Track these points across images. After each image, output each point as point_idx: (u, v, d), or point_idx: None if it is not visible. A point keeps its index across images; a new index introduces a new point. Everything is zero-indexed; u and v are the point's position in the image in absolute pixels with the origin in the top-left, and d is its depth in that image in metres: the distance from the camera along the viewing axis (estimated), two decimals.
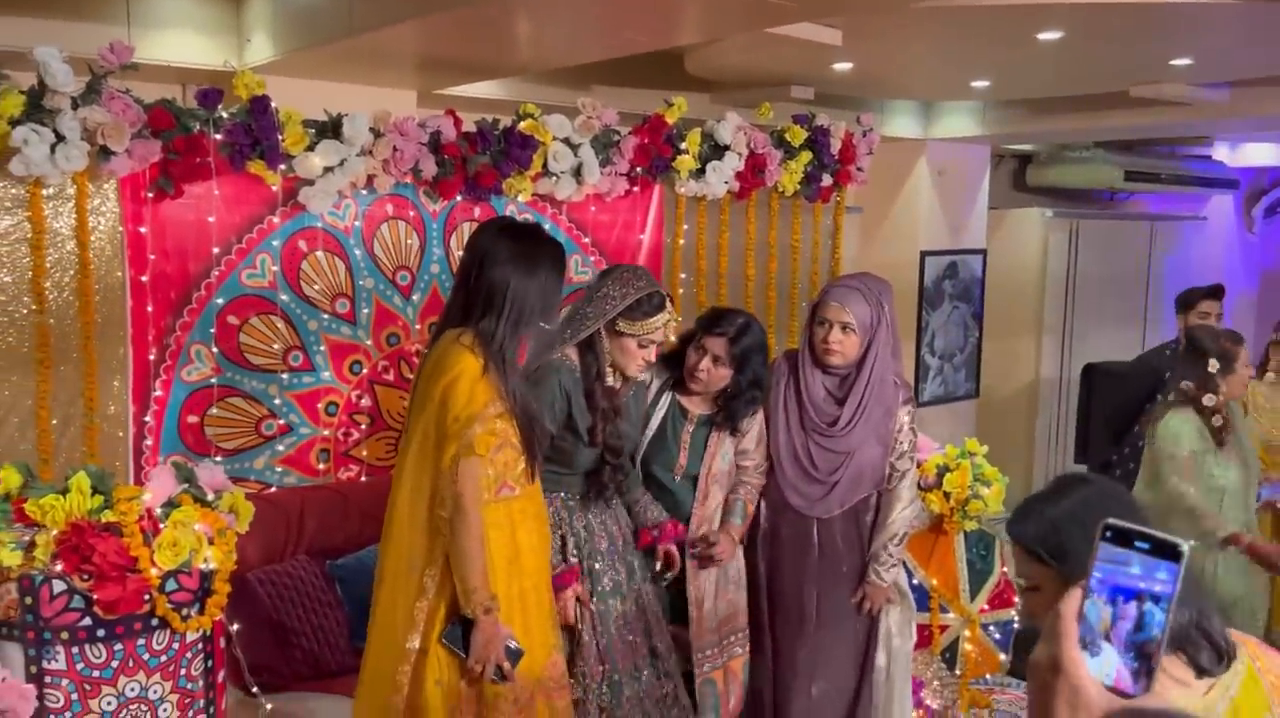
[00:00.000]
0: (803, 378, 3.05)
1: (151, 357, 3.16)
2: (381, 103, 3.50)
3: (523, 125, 3.64)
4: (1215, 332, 3.85)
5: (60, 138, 2.82)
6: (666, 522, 2.93)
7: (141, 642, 2.33)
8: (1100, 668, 0.88)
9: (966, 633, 3.62)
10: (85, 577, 2.25)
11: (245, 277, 3.32)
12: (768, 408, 3.08)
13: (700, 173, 4.12)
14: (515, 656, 2.34)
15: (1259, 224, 8.75)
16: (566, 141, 3.74)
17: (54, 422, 2.97)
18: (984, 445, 3.73)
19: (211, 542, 2.40)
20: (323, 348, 3.50)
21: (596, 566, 2.80)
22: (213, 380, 3.29)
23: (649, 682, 2.86)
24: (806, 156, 4.38)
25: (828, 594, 3.08)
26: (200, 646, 2.44)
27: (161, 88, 3.25)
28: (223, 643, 2.56)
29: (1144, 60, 4.18)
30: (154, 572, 2.30)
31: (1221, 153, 7.52)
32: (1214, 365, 3.63)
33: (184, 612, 2.36)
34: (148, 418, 3.17)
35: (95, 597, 2.25)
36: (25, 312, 2.92)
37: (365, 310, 3.57)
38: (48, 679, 2.25)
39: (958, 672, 3.63)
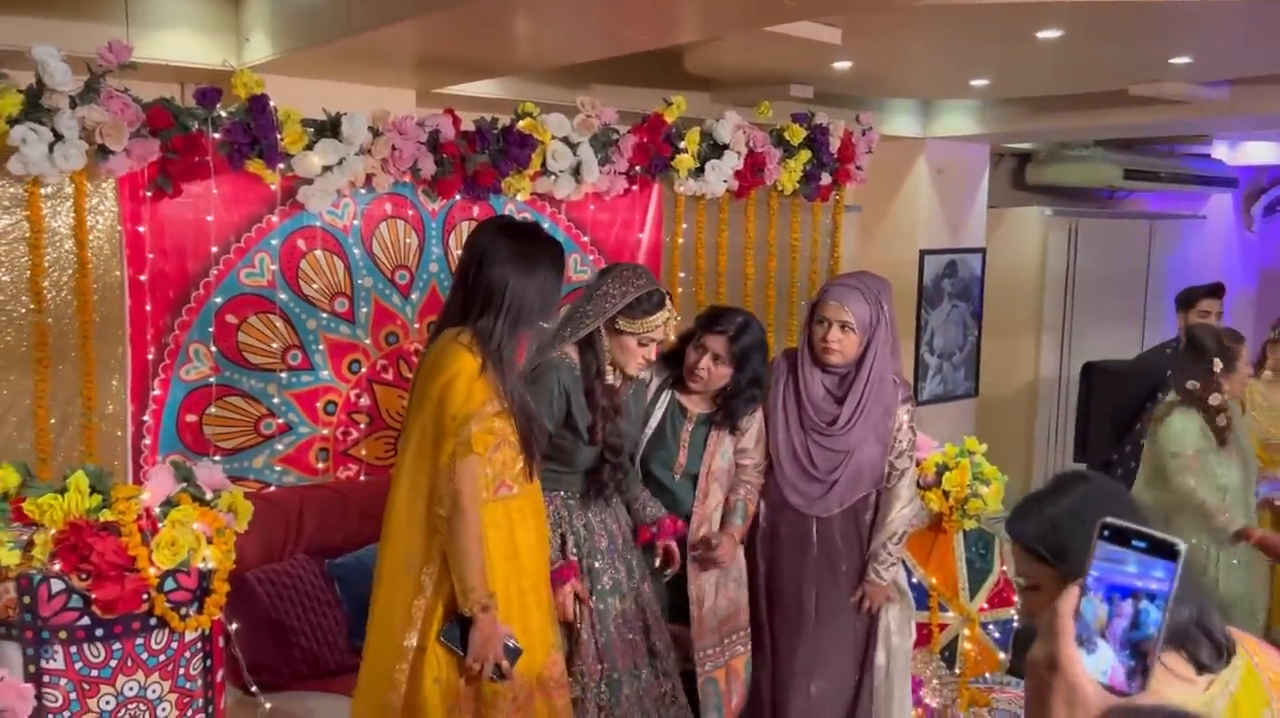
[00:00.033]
0: (802, 377, 3.05)
1: (150, 356, 3.16)
2: (380, 102, 3.50)
3: (521, 124, 3.64)
4: (1216, 331, 3.85)
5: (58, 137, 2.82)
6: (665, 518, 2.93)
7: (140, 641, 2.33)
8: (1096, 666, 0.89)
9: (966, 632, 3.62)
10: (83, 576, 2.24)
11: (244, 276, 3.32)
12: (767, 407, 3.08)
13: (699, 172, 4.12)
14: (514, 654, 2.34)
15: (1258, 223, 8.75)
16: (565, 140, 3.74)
17: (52, 421, 2.97)
18: (983, 444, 3.73)
19: (210, 541, 2.40)
20: (321, 347, 3.50)
21: (596, 564, 2.80)
22: (211, 380, 3.28)
23: (648, 681, 2.86)
24: (805, 155, 4.38)
25: (826, 593, 3.08)
26: (199, 645, 2.44)
27: (160, 87, 3.25)
28: (221, 642, 2.56)
29: (1143, 59, 4.17)
30: (152, 571, 2.29)
31: (1221, 151, 7.52)
32: (1218, 365, 3.64)
33: (182, 611, 2.36)
34: (146, 417, 3.17)
35: (93, 596, 2.25)
36: (24, 311, 2.92)
37: (364, 309, 3.57)
38: (46, 679, 2.25)
39: (957, 670, 3.63)
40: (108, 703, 2.29)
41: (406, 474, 2.40)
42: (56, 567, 2.24)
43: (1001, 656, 3.70)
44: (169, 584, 2.33)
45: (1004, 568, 3.73)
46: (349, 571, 3.31)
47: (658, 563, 2.92)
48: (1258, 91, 4.83)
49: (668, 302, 2.82)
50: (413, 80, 3.95)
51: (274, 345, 3.40)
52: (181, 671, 2.39)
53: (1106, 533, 0.90)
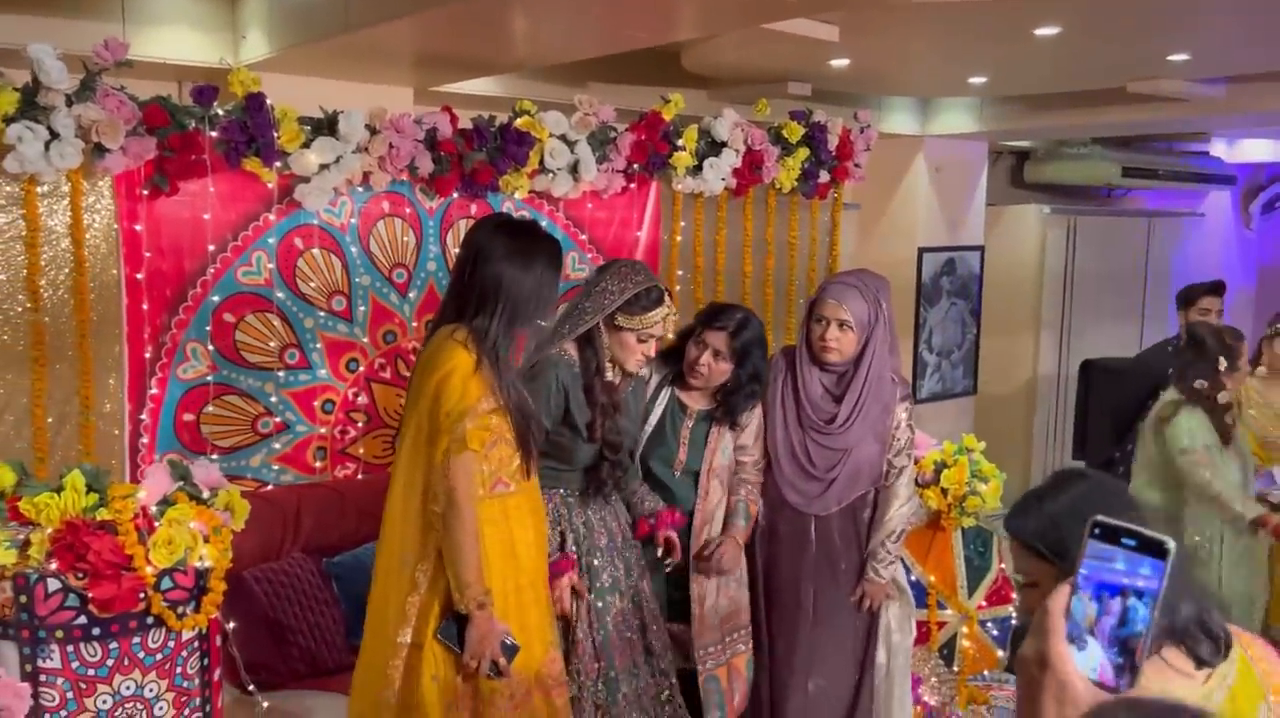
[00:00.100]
0: (800, 375, 3.05)
1: (147, 355, 3.16)
2: (378, 100, 3.50)
3: (519, 122, 3.63)
4: (1218, 329, 3.86)
5: (55, 135, 2.82)
6: (663, 509, 2.92)
7: (137, 640, 2.32)
8: (1086, 663, 0.89)
9: (964, 630, 3.62)
10: (80, 575, 2.24)
11: (241, 274, 3.31)
12: (765, 405, 3.08)
13: (697, 169, 4.11)
14: (511, 651, 2.34)
15: (1256, 220, 8.75)
16: (563, 138, 3.74)
17: (49, 420, 2.97)
18: (981, 442, 3.73)
19: (207, 540, 2.39)
20: (319, 345, 3.49)
21: (595, 562, 2.80)
22: (208, 378, 3.28)
23: (645, 680, 2.85)
24: (804, 153, 4.37)
25: (825, 591, 3.07)
26: (196, 644, 2.43)
27: (156, 85, 3.24)
28: (219, 641, 2.56)
29: (1141, 56, 4.17)
30: (149, 570, 2.29)
31: (1219, 149, 7.52)
32: (1223, 363, 3.66)
33: (179, 610, 2.36)
34: (143, 416, 3.17)
35: (90, 595, 2.24)
36: (20, 310, 2.92)
37: (362, 308, 3.57)
38: (43, 678, 2.24)
39: (955, 668, 3.63)
40: (105, 702, 2.29)
41: (402, 471, 2.40)
42: (53, 566, 2.23)
43: (1000, 653, 3.70)
44: (166, 583, 2.33)
45: (1002, 566, 3.73)
46: (346, 569, 3.30)
47: (659, 553, 2.89)
48: (1255, 89, 4.83)
49: (666, 297, 2.82)
50: (410, 78, 3.94)
51: (271, 344, 3.40)
52: (179, 670, 2.39)
53: (1097, 531, 0.90)
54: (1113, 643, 0.88)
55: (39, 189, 2.90)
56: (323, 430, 3.54)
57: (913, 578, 3.52)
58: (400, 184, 3.55)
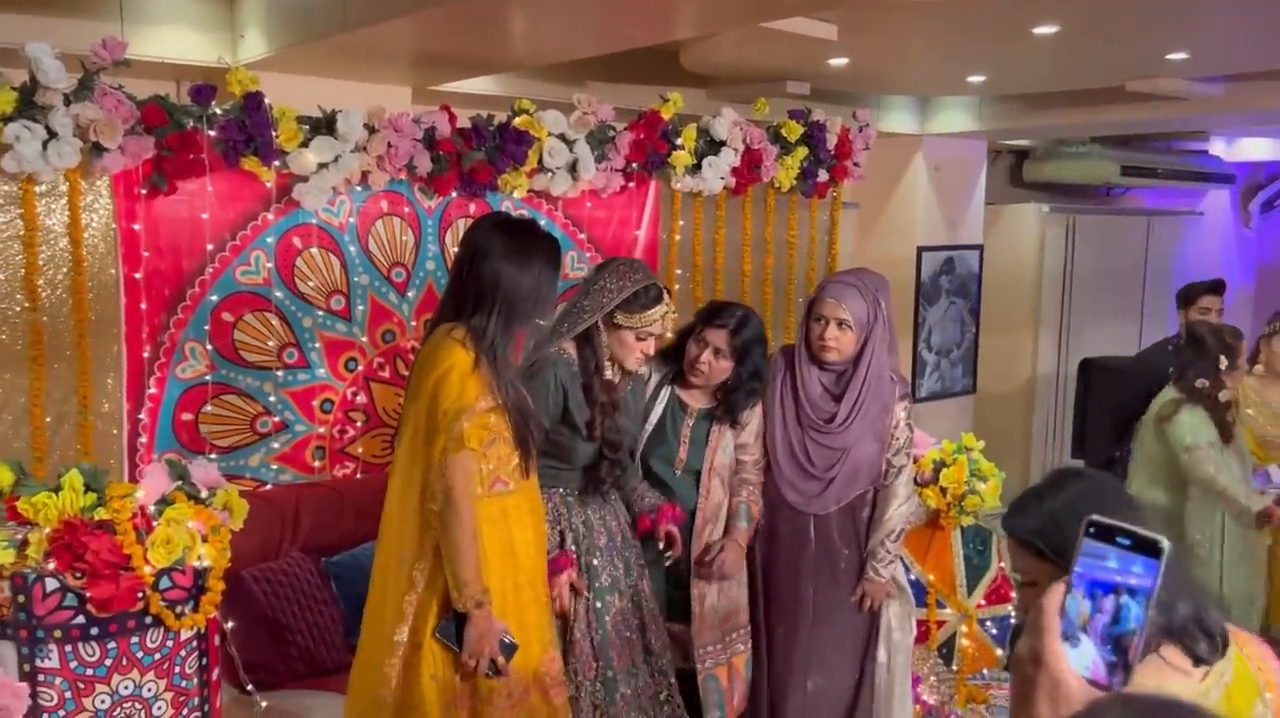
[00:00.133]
0: (799, 374, 3.05)
1: (145, 354, 3.15)
2: (376, 99, 3.49)
3: (518, 121, 3.63)
4: (1218, 328, 3.87)
5: (52, 134, 2.81)
6: (664, 504, 2.91)
7: (135, 640, 2.32)
8: (1079, 661, 0.90)
9: (963, 628, 3.62)
10: (78, 575, 2.24)
11: (239, 274, 3.31)
12: (764, 404, 3.08)
13: (696, 168, 4.11)
14: (509, 650, 2.34)
15: (1255, 219, 8.75)
16: (562, 137, 3.74)
17: (48, 419, 2.97)
18: (981, 441, 3.72)
19: (205, 539, 2.39)
20: (318, 345, 3.49)
21: (595, 562, 2.79)
22: (207, 378, 3.28)
23: (644, 680, 2.85)
24: (802, 152, 4.37)
25: (824, 590, 3.07)
26: (194, 643, 2.43)
27: (154, 84, 3.24)
28: (217, 641, 2.55)
29: (1140, 55, 4.17)
30: (147, 569, 2.29)
31: (1218, 148, 7.52)
32: (1224, 362, 3.66)
33: (178, 609, 2.35)
34: (142, 415, 3.16)
35: (88, 595, 2.24)
36: (18, 309, 2.92)
37: (360, 307, 3.57)
38: (41, 678, 2.24)
39: (954, 667, 3.62)
40: (103, 702, 2.29)
41: (400, 470, 2.40)
42: (51, 566, 2.23)
43: (999, 652, 3.69)
44: (164, 583, 2.33)
45: (1002, 564, 3.73)
46: (345, 569, 3.30)
47: (661, 546, 2.87)
48: (1253, 88, 4.83)
49: (665, 295, 2.82)
50: (409, 77, 3.93)
51: (270, 343, 3.39)
52: (177, 669, 2.39)
53: (1092, 530, 0.91)
54: (1106, 641, 0.89)
55: (37, 188, 2.89)
56: (321, 430, 3.53)
57: (912, 577, 3.52)
58: (399, 183, 3.55)
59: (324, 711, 2.90)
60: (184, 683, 2.40)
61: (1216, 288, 4.71)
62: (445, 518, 2.28)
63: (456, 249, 2.56)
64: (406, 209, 3.61)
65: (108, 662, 2.29)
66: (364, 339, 3.58)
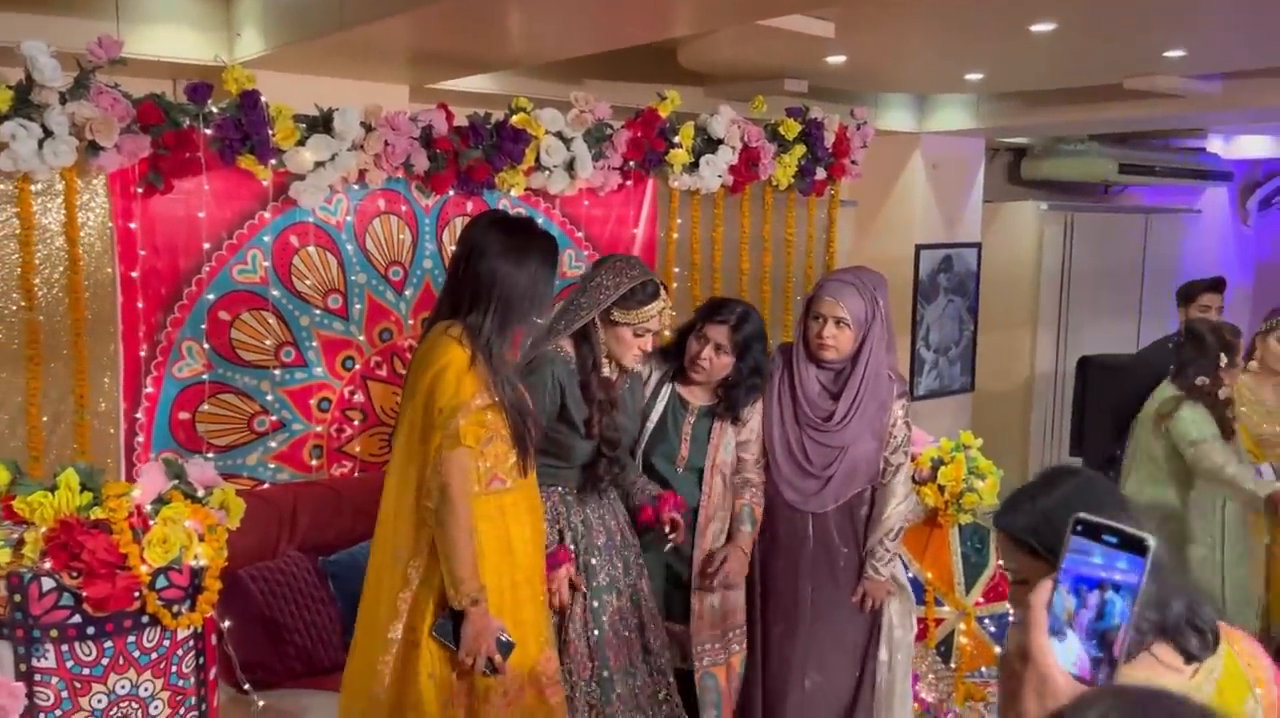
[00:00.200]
0: (797, 372, 3.05)
1: (142, 353, 3.15)
2: (373, 97, 3.49)
3: (515, 119, 3.63)
4: (1216, 325, 3.87)
5: (48, 133, 2.81)
6: (665, 493, 2.89)
7: (132, 639, 2.31)
8: (1066, 657, 0.91)
9: (962, 626, 3.62)
10: (74, 574, 2.23)
11: (236, 272, 3.31)
12: (763, 402, 3.07)
13: (694, 166, 4.11)
14: (506, 648, 2.33)
15: (1253, 216, 8.75)
16: (559, 135, 3.73)
17: (44, 419, 2.96)
18: (979, 439, 3.72)
19: (202, 538, 2.38)
20: (315, 344, 3.49)
21: (593, 561, 2.79)
22: (204, 377, 3.28)
23: (643, 679, 2.84)
24: (800, 150, 4.37)
25: (822, 588, 3.07)
26: (191, 643, 2.42)
27: (151, 83, 3.23)
28: (214, 640, 2.55)
29: (1137, 52, 4.17)
30: (144, 569, 2.28)
31: (1215, 145, 7.52)
32: (1224, 359, 3.67)
33: (174, 609, 2.35)
34: (139, 415, 3.16)
35: (85, 594, 2.23)
36: (14, 308, 2.91)
37: (358, 306, 3.56)
38: (37, 677, 2.23)
39: (953, 665, 3.62)
40: (99, 702, 2.28)
41: (397, 467, 2.40)
42: (47, 565, 2.22)
43: (997, 650, 3.69)
44: (161, 582, 2.32)
45: (999, 562, 3.73)
46: (343, 568, 3.30)
47: (666, 530, 2.83)
48: (1251, 85, 4.83)
49: (662, 292, 2.81)
50: (406, 75, 3.93)
51: (267, 342, 3.39)
52: (174, 669, 2.38)
53: (1079, 528, 0.92)
54: (1091, 636, 0.90)
55: (33, 187, 2.89)
56: (319, 429, 3.53)
57: (910, 575, 3.52)
58: (396, 182, 3.55)
59: (321, 710, 2.89)
60: (181, 683, 2.40)
61: (1217, 286, 4.71)
62: (441, 515, 2.28)
63: (454, 247, 2.55)
64: (404, 208, 3.61)
65: (104, 661, 2.28)
66: (361, 338, 3.58)
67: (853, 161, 4.58)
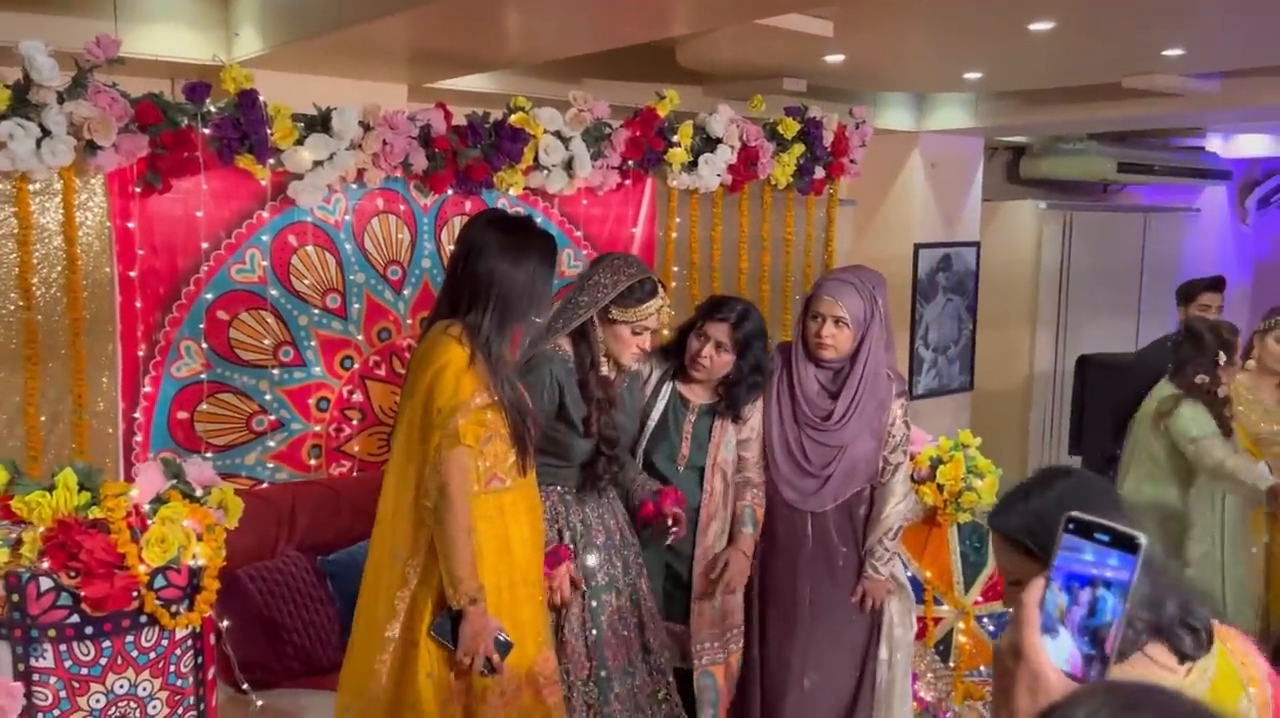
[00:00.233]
0: (796, 372, 3.04)
1: (141, 353, 3.15)
2: (371, 96, 3.48)
3: (513, 118, 3.63)
4: (1215, 324, 3.88)
5: (46, 132, 2.81)
6: (665, 488, 2.88)
7: (130, 639, 2.31)
8: (1058, 654, 0.91)
9: (960, 625, 3.62)
10: (72, 574, 2.23)
11: (235, 272, 3.30)
12: (762, 400, 3.07)
13: (692, 166, 4.11)
14: (504, 648, 2.33)
15: (1252, 215, 8.75)
16: (558, 135, 3.73)
17: (43, 418, 2.96)
18: (978, 437, 3.72)
19: (200, 538, 2.38)
20: (313, 343, 3.48)
21: (592, 560, 2.79)
22: (202, 376, 3.27)
23: (641, 678, 2.84)
24: (799, 149, 4.37)
25: (821, 587, 3.07)
26: (190, 642, 2.42)
27: (148, 82, 3.23)
28: (213, 640, 2.55)
29: (1136, 51, 4.17)
30: (142, 568, 2.28)
31: (1214, 144, 7.52)
32: (1222, 358, 3.68)
33: (173, 608, 2.35)
34: (137, 414, 3.16)
35: (83, 594, 2.23)
36: (12, 308, 2.91)
37: (356, 305, 3.56)
38: (35, 677, 2.23)
39: (951, 664, 3.62)
40: (97, 701, 2.28)
41: (396, 466, 2.40)
42: (45, 565, 2.22)
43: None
44: (159, 582, 2.32)
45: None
46: (341, 567, 3.30)
47: (669, 523, 2.81)
48: (1250, 84, 4.83)
49: (660, 289, 2.81)
50: (404, 75, 3.93)
51: (266, 342, 3.39)
52: (172, 668, 2.38)
53: (1071, 526, 0.93)
54: (1083, 633, 0.91)
55: (31, 187, 2.89)
56: (318, 428, 3.53)
57: (909, 574, 3.52)
58: (394, 181, 3.54)
59: (320, 709, 2.89)
60: (179, 682, 2.40)
61: (1217, 285, 4.71)
62: (440, 514, 2.28)
63: (452, 247, 2.55)
64: (402, 207, 3.60)
65: (102, 661, 2.28)
66: (360, 337, 3.58)
67: (851, 161, 4.58)
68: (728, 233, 4.33)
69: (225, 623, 2.70)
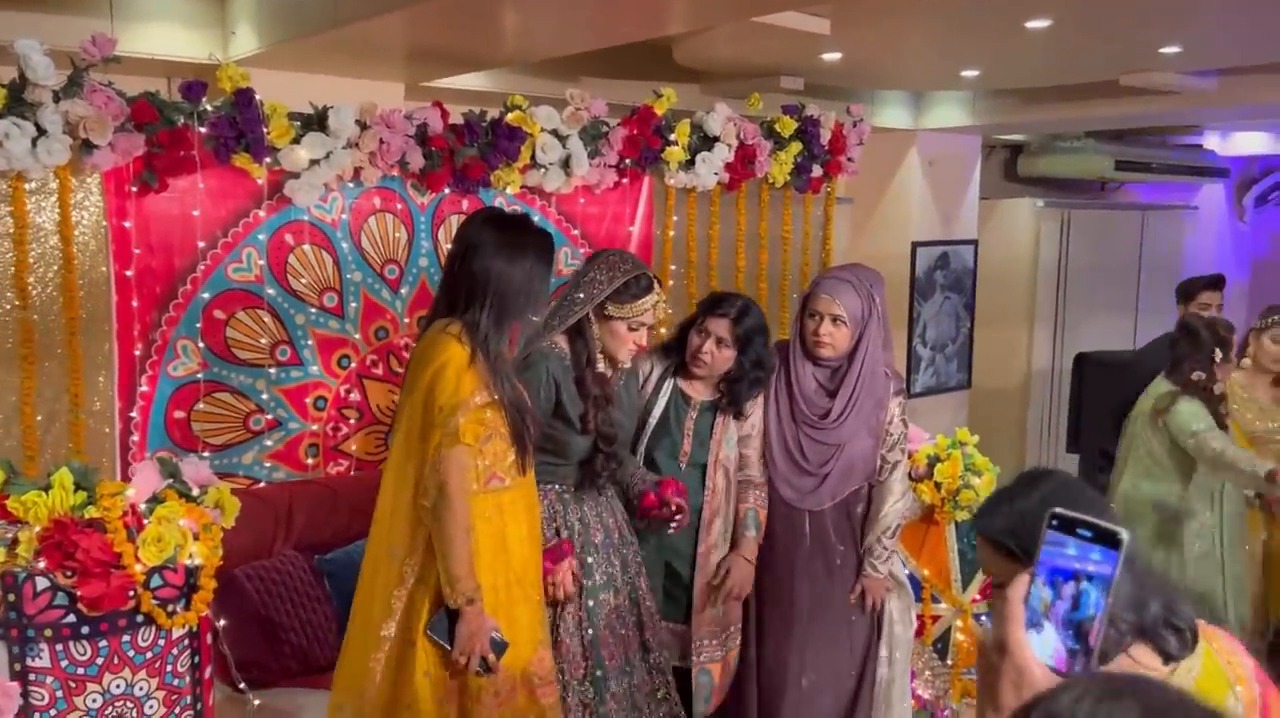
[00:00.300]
0: (793, 370, 3.04)
1: (137, 352, 3.14)
2: (368, 95, 3.48)
3: (510, 117, 3.62)
4: (1212, 321, 3.88)
5: (42, 131, 2.80)
6: (665, 479, 2.87)
7: (126, 638, 2.31)
8: (1043, 649, 0.92)
9: (958, 623, 3.62)
10: (69, 574, 2.22)
11: (231, 271, 3.30)
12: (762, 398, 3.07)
13: (690, 164, 4.10)
14: (500, 648, 2.33)
15: (1250, 213, 8.76)
16: (555, 133, 3.73)
17: (39, 418, 2.96)
18: (975, 436, 3.72)
19: (197, 537, 2.38)
20: (310, 342, 3.48)
21: (590, 559, 2.79)
22: (199, 376, 3.27)
23: (640, 677, 2.84)
24: (796, 147, 4.37)
25: (818, 586, 3.07)
26: (186, 642, 2.42)
27: (145, 81, 3.22)
28: (209, 639, 2.54)
29: (1133, 49, 4.16)
30: (138, 568, 2.27)
31: (1212, 142, 7.53)
32: (1219, 355, 3.68)
33: (169, 608, 2.34)
34: (134, 414, 3.15)
35: (79, 594, 2.23)
36: (8, 307, 2.91)
37: (353, 304, 3.55)
38: (32, 677, 2.23)
39: (949, 662, 3.62)
40: (94, 701, 2.28)
41: (394, 465, 2.39)
42: (41, 564, 2.22)
43: None
44: (155, 581, 2.32)
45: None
46: (339, 566, 3.29)
47: (673, 509, 2.78)
48: (1247, 81, 4.83)
49: (656, 285, 2.81)
50: (400, 73, 3.92)
51: (262, 341, 3.38)
52: (169, 668, 2.38)
53: (1055, 522, 0.94)
54: (1067, 627, 0.92)
55: (26, 186, 2.88)
56: (315, 427, 3.52)
57: (907, 572, 3.52)
58: (391, 180, 3.54)
59: (317, 709, 2.88)
60: (176, 682, 2.39)
61: (1216, 283, 4.72)
62: (438, 513, 2.27)
63: (449, 245, 2.55)
64: (399, 205, 3.60)
65: (99, 661, 2.28)
66: (357, 336, 3.57)
67: (849, 159, 4.58)
68: (725, 231, 4.33)
69: (222, 622, 2.70)
